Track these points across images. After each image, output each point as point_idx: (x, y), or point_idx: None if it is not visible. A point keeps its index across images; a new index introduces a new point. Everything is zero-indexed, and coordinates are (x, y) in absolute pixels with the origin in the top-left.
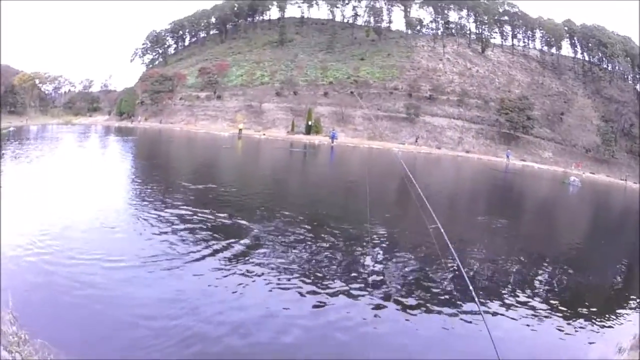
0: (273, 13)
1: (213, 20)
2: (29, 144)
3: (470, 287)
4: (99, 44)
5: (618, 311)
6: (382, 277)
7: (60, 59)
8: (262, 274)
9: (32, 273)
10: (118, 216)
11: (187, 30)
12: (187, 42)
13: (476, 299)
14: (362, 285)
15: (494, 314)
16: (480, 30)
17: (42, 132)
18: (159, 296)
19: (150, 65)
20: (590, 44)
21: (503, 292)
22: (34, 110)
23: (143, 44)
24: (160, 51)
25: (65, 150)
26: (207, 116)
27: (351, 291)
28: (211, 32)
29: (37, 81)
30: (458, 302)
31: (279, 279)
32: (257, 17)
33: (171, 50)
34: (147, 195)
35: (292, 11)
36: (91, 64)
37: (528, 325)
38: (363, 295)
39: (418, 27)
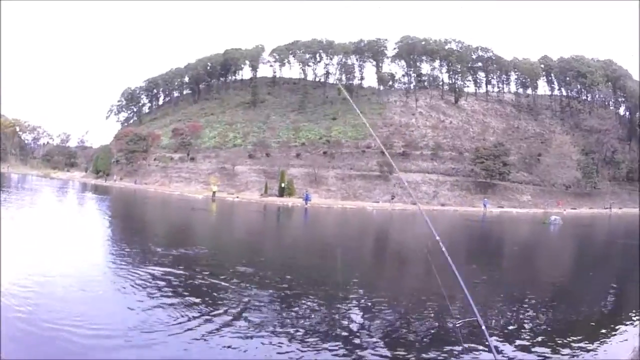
0: (245, 73)
1: (186, 79)
2: (11, 193)
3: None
4: (76, 98)
5: (615, 332)
6: (364, 335)
7: (38, 109)
8: (248, 338)
9: (9, 330)
10: (97, 278)
11: (161, 89)
12: (161, 101)
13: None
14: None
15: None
16: (454, 79)
17: (23, 183)
18: None
19: (126, 124)
20: (568, 78)
21: (493, 335)
22: (14, 158)
23: (118, 101)
24: (135, 109)
25: (46, 204)
26: (181, 178)
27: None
28: (184, 92)
29: (17, 128)
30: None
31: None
32: (230, 77)
33: (145, 109)
34: (126, 257)
35: (264, 70)
36: (69, 117)
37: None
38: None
39: (390, 82)
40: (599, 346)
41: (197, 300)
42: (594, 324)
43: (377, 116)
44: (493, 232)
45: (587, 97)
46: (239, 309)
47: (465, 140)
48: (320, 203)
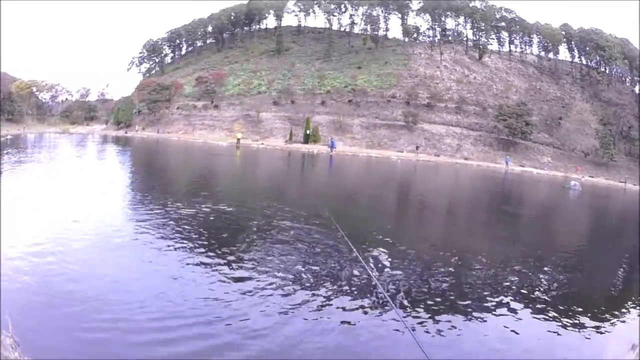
0: (270, 22)
1: (210, 29)
2: (26, 153)
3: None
4: (95, 53)
5: (628, 310)
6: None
7: (57, 67)
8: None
9: (30, 293)
10: (120, 232)
11: (183, 39)
12: (183, 51)
13: None
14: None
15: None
16: (478, 36)
17: (40, 141)
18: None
19: (147, 74)
20: (587, 48)
21: (507, 296)
22: (31, 119)
23: (140, 53)
24: (157, 60)
25: (62, 159)
26: (205, 126)
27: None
28: (208, 41)
29: (34, 89)
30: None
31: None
32: (254, 26)
33: (168, 59)
34: (149, 210)
35: (288, 20)
36: (88, 73)
37: (539, 327)
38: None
39: (415, 35)
40: (613, 323)
41: (230, 256)
42: (609, 298)
43: (402, 67)
44: (518, 191)
45: (605, 69)
46: (260, 254)
47: (488, 96)
48: (345, 151)
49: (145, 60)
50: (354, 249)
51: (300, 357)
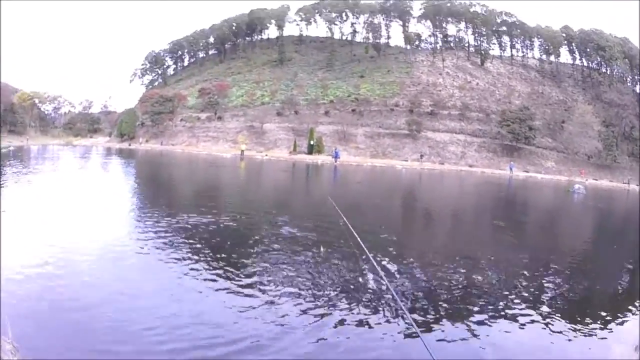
0: (271, 32)
1: (212, 40)
2: (29, 164)
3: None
4: (98, 64)
5: (633, 312)
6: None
7: (59, 79)
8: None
9: (30, 300)
10: (125, 247)
11: (185, 51)
12: (186, 62)
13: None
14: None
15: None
16: (479, 42)
17: (43, 153)
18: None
19: (150, 86)
20: (588, 49)
21: (516, 302)
22: (34, 130)
23: (142, 65)
24: (160, 72)
25: (67, 171)
26: (209, 137)
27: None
28: (210, 52)
29: (36, 100)
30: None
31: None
32: (256, 37)
33: (170, 71)
34: (153, 223)
35: (290, 30)
36: (90, 84)
37: (542, 331)
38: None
39: (417, 42)
40: (618, 326)
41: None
42: (614, 300)
43: (405, 75)
44: (522, 196)
45: (606, 70)
46: (267, 270)
47: (491, 102)
48: (349, 161)
49: (148, 72)
50: (366, 250)
51: None
